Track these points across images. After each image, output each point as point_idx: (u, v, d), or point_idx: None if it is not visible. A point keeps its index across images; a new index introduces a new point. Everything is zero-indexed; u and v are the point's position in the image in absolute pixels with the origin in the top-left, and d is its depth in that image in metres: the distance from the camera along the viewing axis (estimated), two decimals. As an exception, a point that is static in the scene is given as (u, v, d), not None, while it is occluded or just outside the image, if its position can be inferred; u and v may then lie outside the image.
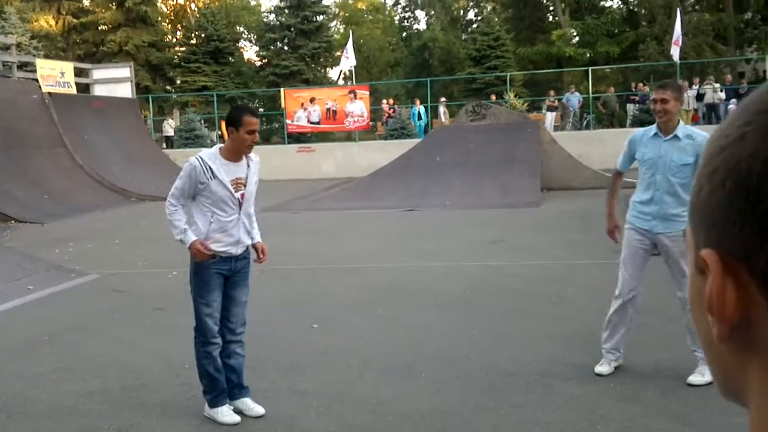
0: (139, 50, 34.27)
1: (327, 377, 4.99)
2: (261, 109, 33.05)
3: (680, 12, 22.23)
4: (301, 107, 24.07)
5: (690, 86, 22.54)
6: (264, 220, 13.37)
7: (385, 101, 27.08)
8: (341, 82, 40.58)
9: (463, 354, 5.32)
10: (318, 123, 24.10)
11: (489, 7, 43.47)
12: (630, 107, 23.79)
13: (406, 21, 47.80)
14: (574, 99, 24.27)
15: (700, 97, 22.07)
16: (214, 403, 4.36)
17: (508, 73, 27.74)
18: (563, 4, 35.77)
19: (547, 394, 4.52)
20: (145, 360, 5.55)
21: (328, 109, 23.75)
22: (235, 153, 4.23)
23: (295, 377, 5.02)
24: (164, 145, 25.19)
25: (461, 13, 46.40)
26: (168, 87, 36.43)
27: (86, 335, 6.32)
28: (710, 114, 21.92)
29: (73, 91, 21.27)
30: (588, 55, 32.67)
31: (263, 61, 36.93)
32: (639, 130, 5.06)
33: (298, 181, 21.16)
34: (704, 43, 29.45)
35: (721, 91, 21.99)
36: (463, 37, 42.47)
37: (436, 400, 4.54)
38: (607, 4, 37.83)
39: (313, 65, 35.01)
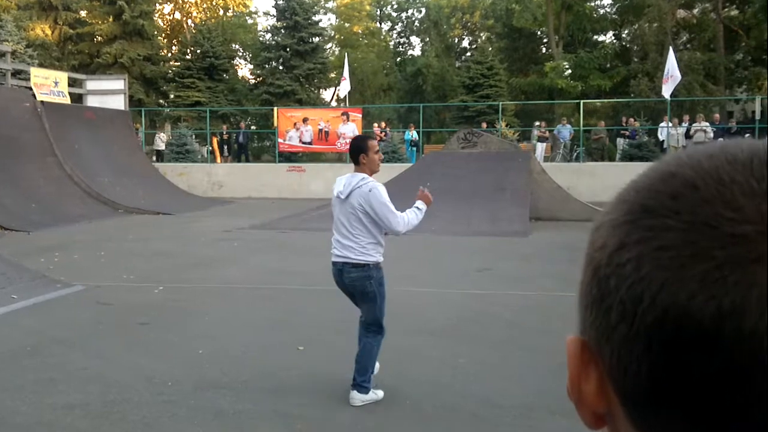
0: (134, 63, 34.33)
1: (311, 401, 4.95)
2: (253, 127, 33.12)
3: (673, 50, 22.54)
4: (294, 127, 24.14)
5: (680, 124, 22.82)
6: (252, 238, 13.44)
7: (377, 124, 27.21)
8: (334, 103, 40.80)
9: (449, 383, 5.30)
10: (310, 143, 24.16)
11: (483, 36, 43.96)
12: (620, 141, 24.02)
13: (401, 46, 48.18)
14: (565, 131, 24.48)
15: (689, 134, 22.32)
16: (369, 388, 4.93)
17: (500, 103, 27.98)
18: (557, 37, 36.20)
19: (532, 428, 4.51)
20: (128, 375, 5.49)
21: (321, 130, 23.84)
22: (372, 173, 4.95)
23: (278, 400, 4.98)
24: (155, 159, 25.15)
25: (456, 41, 46.83)
26: (161, 101, 36.45)
27: (69, 347, 6.25)
28: (699, 152, 22.06)
29: (67, 100, 21.24)
30: (580, 88, 33.02)
31: (257, 79, 37.08)
32: None
33: (287, 200, 21.17)
34: (695, 82, 29.86)
35: (711, 129, 22.26)
36: (457, 64, 42.87)
37: (420, 428, 4.52)
38: (601, 39, 38.36)
39: (307, 86, 35.15)
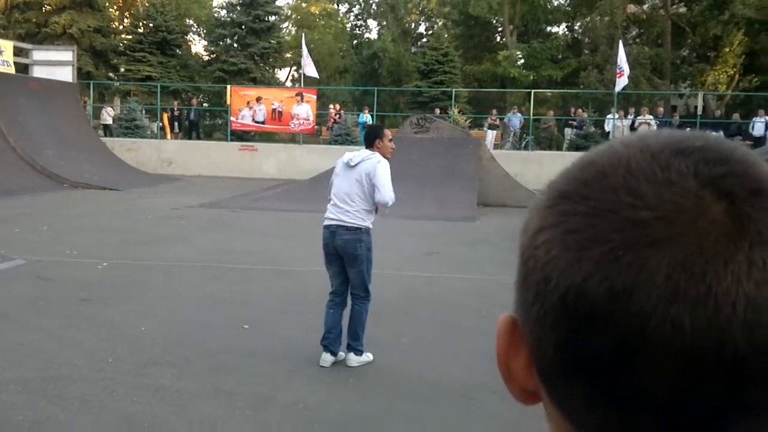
0: (84, 35, 33.37)
1: (254, 380, 4.96)
2: (205, 104, 32.65)
3: (622, 44, 22.97)
4: (247, 106, 23.87)
5: (625, 116, 23.32)
6: (201, 217, 13.29)
7: (332, 106, 27.09)
8: (289, 83, 40.45)
9: (392, 363, 5.37)
10: (263, 123, 23.93)
11: (440, 23, 44.04)
12: (568, 131, 24.44)
13: (357, 29, 47.97)
14: (515, 119, 24.79)
15: (633, 127, 22.85)
16: (363, 350, 5.32)
17: (454, 89, 28.12)
18: (511, 27, 36.54)
19: (471, 407, 4.61)
20: (68, 351, 5.42)
21: (274, 110, 23.62)
22: (384, 157, 5.43)
23: (221, 378, 4.97)
24: (102, 133, 24.60)
25: (412, 26, 46.82)
26: (111, 74, 35.56)
27: (7, 322, 6.12)
28: (642, 144, 22.64)
29: (11, 70, 20.61)
30: (531, 77, 33.43)
31: (211, 56, 36.44)
32: None
33: (238, 179, 20.96)
34: (642, 76, 30.54)
35: (654, 122, 22.84)
36: (413, 50, 42.90)
37: (363, 407, 4.58)
38: (554, 30, 38.87)
39: (261, 64, 34.71)
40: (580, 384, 0.45)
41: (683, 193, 0.43)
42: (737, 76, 32.70)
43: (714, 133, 0.48)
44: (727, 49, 31.50)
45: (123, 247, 9.74)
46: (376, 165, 5.26)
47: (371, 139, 5.46)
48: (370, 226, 5.34)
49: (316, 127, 24.62)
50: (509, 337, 0.51)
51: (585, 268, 0.43)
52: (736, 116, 24.68)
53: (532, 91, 26.56)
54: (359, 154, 5.42)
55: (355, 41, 45.99)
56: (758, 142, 21.52)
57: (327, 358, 5.24)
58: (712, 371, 0.41)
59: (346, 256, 5.26)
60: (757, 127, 22.37)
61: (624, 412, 0.44)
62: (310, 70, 24.52)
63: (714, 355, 0.41)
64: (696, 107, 25.69)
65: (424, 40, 43.72)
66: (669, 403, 0.42)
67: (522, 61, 35.31)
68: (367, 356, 5.35)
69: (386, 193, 5.22)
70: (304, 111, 23.41)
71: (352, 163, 5.33)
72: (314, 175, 17.18)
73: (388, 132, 5.55)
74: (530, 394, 0.51)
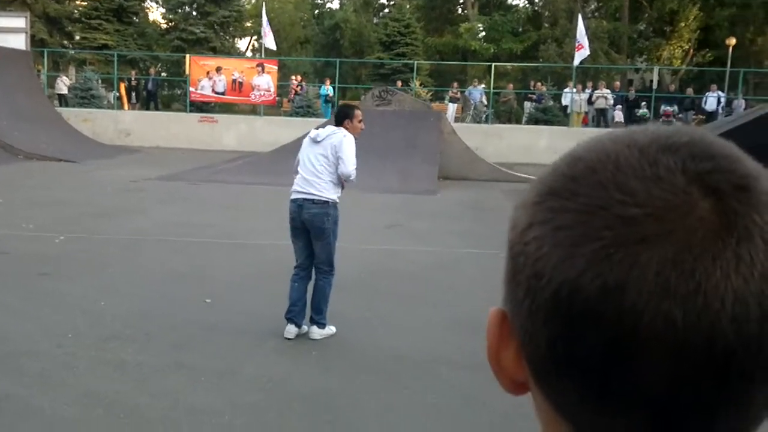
0: (37, 0, 32.39)
1: (217, 354, 4.97)
2: (164, 74, 32.02)
3: (581, 18, 23.14)
4: (207, 76, 23.49)
5: (583, 90, 23.58)
6: (160, 189, 13.12)
7: (293, 77, 26.81)
8: (249, 53, 39.88)
9: (356, 336, 5.42)
10: (223, 93, 23.61)
11: (402, -7, 43.73)
12: (527, 105, 24.63)
13: (319, -2, 47.35)
14: (476, 92, 24.87)
15: (591, 100, 23.15)
16: (326, 324, 5.35)
17: (416, 62, 28.04)
18: (473, -1, 36.53)
19: (434, 379, 4.69)
20: (26, 327, 5.35)
21: (234, 81, 23.29)
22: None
23: (184, 352, 4.97)
24: (57, 103, 23.99)
25: (375, -4, 46.39)
26: (65, 42, 34.62)
27: (-38, 298, 6.01)
28: (599, 118, 23.08)
29: (-41, 37, 19.92)
30: (492, 50, 33.49)
31: (169, 24, 35.69)
32: None
33: (197, 151, 20.68)
34: (599, 50, 30.84)
35: (611, 96, 23.17)
36: (375, 21, 42.54)
37: (327, 379, 4.63)
38: (514, 3, 38.90)
39: (221, 34, 34.13)
40: (572, 378, 0.46)
41: (672, 190, 0.44)
42: (692, 50, 33.26)
43: (699, 128, 0.49)
44: (683, 24, 31.98)
45: (81, 221, 9.59)
46: (343, 138, 5.32)
47: (341, 118, 5.50)
48: (338, 200, 5.37)
49: (277, 98, 24.37)
50: (499, 331, 0.52)
51: (577, 264, 0.44)
52: (689, 91, 25.18)
53: (493, 64, 26.64)
54: (325, 130, 5.44)
55: (316, 11, 45.44)
56: (711, 116, 21.97)
57: (291, 330, 5.28)
58: (703, 365, 0.42)
59: (314, 229, 5.29)
60: (710, 102, 22.83)
61: (616, 406, 0.45)
62: (269, 41, 24.20)
63: (704, 350, 0.42)
64: (651, 81, 26.07)
65: (386, 11, 43.37)
66: (660, 397, 0.43)
67: (483, 33, 35.34)
68: (330, 329, 5.39)
69: (349, 165, 5.27)
70: (265, 82, 23.13)
71: (318, 139, 5.37)
72: (275, 148, 17.07)
73: (359, 113, 5.54)
74: (519, 384, 0.52)
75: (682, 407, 0.44)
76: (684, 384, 0.43)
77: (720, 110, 22.29)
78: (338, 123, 5.48)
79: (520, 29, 36.14)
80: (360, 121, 5.51)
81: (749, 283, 0.42)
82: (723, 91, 23.37)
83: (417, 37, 33.42)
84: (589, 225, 0.44)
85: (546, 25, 36.38)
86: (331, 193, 5.32)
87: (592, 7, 36.65)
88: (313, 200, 5.27)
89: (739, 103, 22.74)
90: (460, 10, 40.04)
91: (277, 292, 6.52)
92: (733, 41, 25.07)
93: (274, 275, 7.05)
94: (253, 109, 25.23)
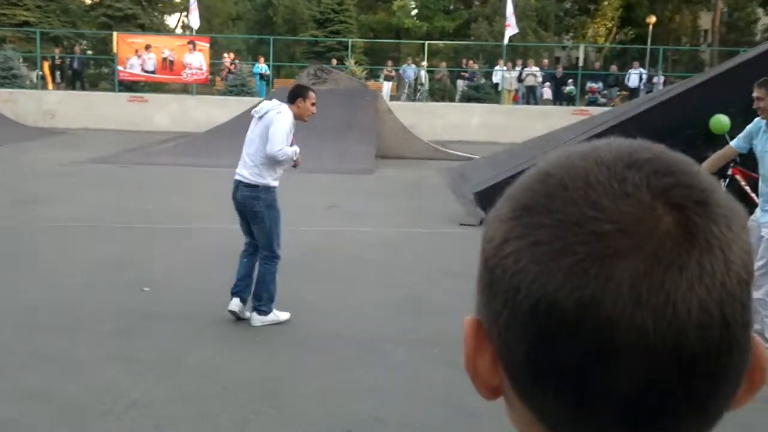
0: (-51, -26, 30.79)
1: (158, 343, 4.91)
2: (89, 52, 31.00)
3: None
4: (135, 54, 22.86)
5: (513, 68, 23.96)
6: (91, 173, 12.77)
7: (226, 55, 26.33)
8: (179, 31, 38.93)
9: (297, 319, 5.42)
10: (153, 72, 23.03)
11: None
12: (460, 83, 24.87)
13: (250, -27, 46.41)
14: (410, 71, 24.97)
15: (521, 78, 23.57)
16: (270, 310, 5.25)
17: (350, 39, 27.89)
18: (406, -25, 36.50)
19: (375, 359, 4.76)
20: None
21: (165, 59, 22.73)
22: (299, 118, 5.34)
23: (124, 343, 4.89)
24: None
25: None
26: (-18, 19, 33.07)
27: None
28: (529, 95, 23.55)
29: None
30: (425, 28, 33.65)
31: (94, 0, 34.50)
32: (758, 119, 4.99)
33: (128, 132, 20.16)
34: (528, 28, 31.37)
35: (540, 74, 23.64)
36: (308, -3, 42.08)
37: (270, 365, 4.64)
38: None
39: (150, 10, 33.20)
40: (550, 385, 0.48)
41: (639, 205, 0.46)
42: (615, 29, 34.17)
43: (657, 144, 0.52)
44: (606, 2, 32.80)
45: (6, 208, 9.26)
46: (275, 116, 5.19)
47: (293, 96, 5.36)
48: (271, 184, 5.23)
49: (210, 77, 23.92)
50: (475, 339, 0.54)
51: (555, 279, 0.46)
52: (613, 68, 25.95)
53: (426, 42, 26.76)
54: (265, 104, 5.34)
55: (247, -14, 44.55)
56: (634, 92, 22.66)
57: (234, 302, 5.28)
58: (671, 369, 0.46)
59: (247, 212, 5.27)
60: (632, 79, 23.58)
61: (592, 407, 0.47)
62: (193, 18, 23.69)
63: (673, 355, 0.45)
64: (578, 59, 26.68)
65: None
66: (632, 398, 0.46)
67: (416, 11, 35.41)
68: (276, 315, 5.30)
69: (274, 144, 5.10)
70: (197, 60, 22.67)
71: (258, 115, 5.30)
72: (210, 128, 16.78)
73: (313, 95, 5.40)
74: (494, 389, 0.54)
75: (652, 407, 0.47)
76: (654, 386, 0.46)
77: (642, 86, 22.99)
78: (290, 101, 5.33)
79: (452, 7, 36.38)
80: (313, 104, 5.38)
81: (711, 293, 0.46)
82: (644, 68, 24.09)
83: (351, 14, 33.22)
84: (564, 240, 0.47)
85: (477, 3, 36.73)
86: (263, 177, 5.18)
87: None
88: (244, 183, 5.21)
89: (660, 79, 23.51)
90: (393, -13, 39.95)
91: (217, 277, 6.46)
92: (653, 19, 25.88)
93: (214, 260, 7.00)
94: (184, 88, 24.70)
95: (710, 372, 0.47)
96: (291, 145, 5.29)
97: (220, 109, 19.59)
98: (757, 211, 4.92)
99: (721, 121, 8.65)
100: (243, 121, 16.52)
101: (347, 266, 7.07)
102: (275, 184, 5.28)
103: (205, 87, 24.45)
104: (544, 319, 0.47)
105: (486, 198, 9.14)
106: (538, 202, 0.50)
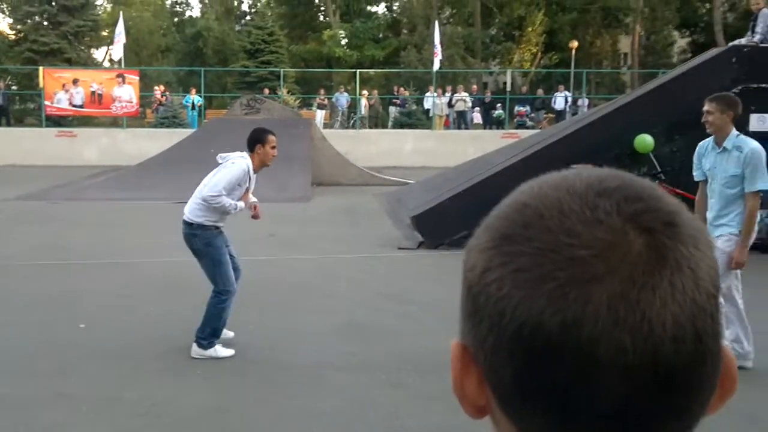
0: None
1: (97, 380, 4.83)
2: (14, 87, 30.20)
3: (437, 24, 24.07)
4: (63, 88, 22.42)
5: (443, 93, 24.51)
6: (19, 210, 12.43)
7: (156, 88, 26.05)
8: (107, 64, 38.31)
9: (240, 350, 5.40)
10: (81, 106, 22.62)
11: (263, 1, 43.51)
12: (392, 110, 25.28)
13: (178, 6, 46.24)
14: (342, 98, 25.25)
15: (451, 104, 24.14)
16: (212, 344, 5.21)
17: (282, 69, 28.00)
18: (334, 6, 36.92)
19: (320, 385, 4.78)
20: None
21: (93, 92, 22.37)
22: (260, 166, 5.35)
23: (61, 381, 4.79)
24: None
25: (236, 4, 45.86)
26: None
27: None
28: (459, 120, 24.12)
29: None
30: (355, 57, 34.10)
31: (18, 35, 33.65)
32: (703, 142, 5.11)
33: (57, 167, 19.66)
34: (456, 54, 32.20)
35: (469, 99, 24.27)
36: (237, 28, 42.09)
37: (214, 398, 4.61)
38: (374, 10, 39.75)
39: (76, 44, 32.55)
40: (537, 404, 0.51)
41: (611, 231, 0.50)
42: (539, 53, 35.31)
43: (625, 172, 0.55)
44: (530, 29, 33.94)
45: (-68, 249, 8.94)
46: (226, 164, 5.26)
47: (252, 143, 5.31)
48: (207, 223, 5.23)
49: (140, 109, 23.61)
50: (461, 363, 0.56)
51: (538, 303, 0.49)
52: (540, 92, 26.86)
53: (357, 70, 27.13)
54: (228, 155, 5.33)
55: (176, 19, 44.31)
56: (560, 114, 23.43)
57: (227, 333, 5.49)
58: (650, 381, 0.48)
59: (189, 248, 5.33)
60: (558, 102, 24.42)
61: (577, 424, 0.50)
62: (116, 49, 23.42)
63: (651, 368, 0.48)
64: (505, 84, 27.47)
65: (249, 18, 42.98)
66: (615, 411, 0.49)
67: (346, 40, 35.85)
68: (215, 351, 5.23)
69: (209, 189, 5.15)
70: (127, 93, 22.37)
71: (220, 161, 5.37)
72: (141, 161, 16.56)
73: (273, 138, 5.34)
74: (481, 408, 0.56)
75: (633, 417, 0.49)
76: (634, 398, 0.49)
77: (567, 109, 23.80)
78: (249, 148, 5.29)
79: (381, 35, 37.05)
80: (273, 147, 5.31)
81: (684, 308, 0.49)
82: (569, 91, 24.98)
83: (281, 44, 33.36)
84: (543, 267, 0.50)
85: (405, 31, 37.51)
86: (197, 216, 5.22)
87: (447, 13, 38.15)
88: (184, 220, 5.30)
89: (584, 101, 24.39)
90: (322, 17, 40.41)
91: (155, 311, 6.40)
92: (575, 44, 26.88)
93: (152, 293, 6.93)
94: (114, 122, 24.30)
95: (686, 383, 0.49)
96: (240, 198, 5.31)
97: (151, 142, 19.35)
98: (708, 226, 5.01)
99: (645, 140, 9.06)
100: (175, 153, 16.46)
101: (287, 294, 7.09)
102: (211, 224, 5.25)
103: (136, 120, 24.12)
104: (528, 341, 0.49)
105: (423, 221, 9.29)
106: (515, 231, 0.52)
